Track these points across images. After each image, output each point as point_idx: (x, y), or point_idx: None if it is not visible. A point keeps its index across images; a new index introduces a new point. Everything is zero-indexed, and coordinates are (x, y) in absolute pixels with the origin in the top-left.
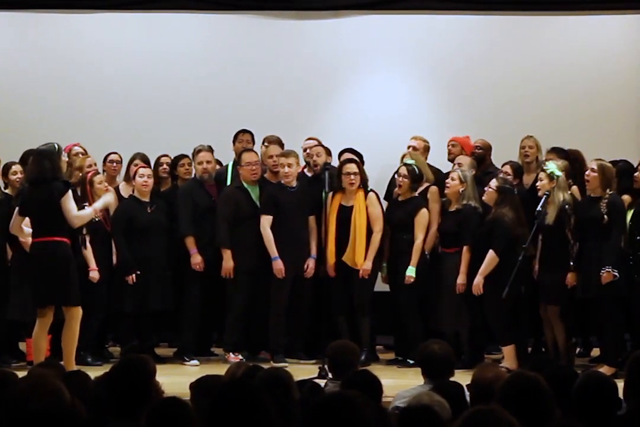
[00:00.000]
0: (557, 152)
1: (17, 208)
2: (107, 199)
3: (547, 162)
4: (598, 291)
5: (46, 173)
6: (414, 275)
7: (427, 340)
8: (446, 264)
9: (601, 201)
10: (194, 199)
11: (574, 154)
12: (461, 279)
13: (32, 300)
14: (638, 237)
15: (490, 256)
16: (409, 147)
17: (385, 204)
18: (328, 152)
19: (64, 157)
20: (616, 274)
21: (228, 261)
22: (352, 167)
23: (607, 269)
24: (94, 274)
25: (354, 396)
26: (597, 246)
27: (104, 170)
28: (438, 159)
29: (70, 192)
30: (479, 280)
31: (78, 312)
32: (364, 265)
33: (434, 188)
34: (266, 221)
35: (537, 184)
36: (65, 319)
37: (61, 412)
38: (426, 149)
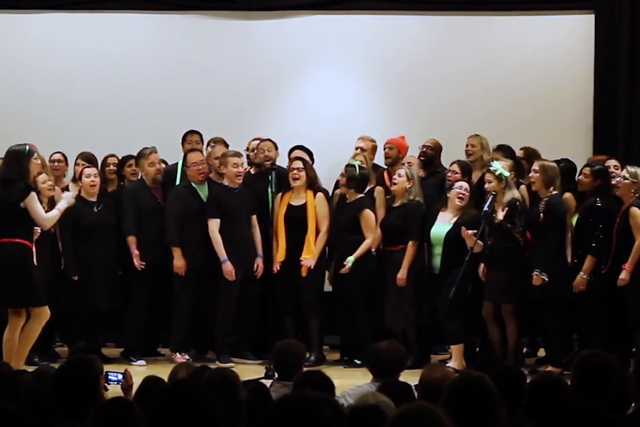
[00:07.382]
0: (503, 150)
1: None
2: (68, 199)
3: (492, 163)
4: (539, 292)
5: (12, 174)
6: (350, 264)
7: (375, 340)
8: (391, 262)
9: (542, 201)
10: (139, 200)
11: (528, 152)
12: (401, 274)
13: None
14: (581, 251)
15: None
16: (357, 148)
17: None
18: (276, 147)
19: (35, 160)
20: (544, 277)
21: (179, 259)
22: (296, 164)
23: (535, 272)
24: None
25: (313, 398)
26: (536, 245)
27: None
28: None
29: (33, 194)
30: None
31: (45, 312)
32: (307, 261)
33: (379, 188)
34: (214, 224)
35: (486, 185)
36: (26, 319)
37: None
38: (374, 149)
